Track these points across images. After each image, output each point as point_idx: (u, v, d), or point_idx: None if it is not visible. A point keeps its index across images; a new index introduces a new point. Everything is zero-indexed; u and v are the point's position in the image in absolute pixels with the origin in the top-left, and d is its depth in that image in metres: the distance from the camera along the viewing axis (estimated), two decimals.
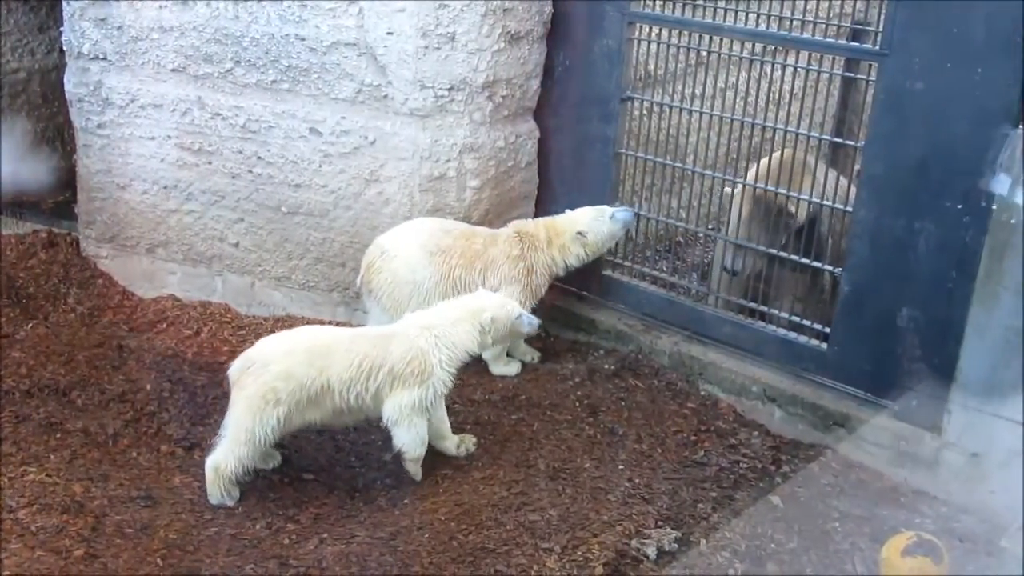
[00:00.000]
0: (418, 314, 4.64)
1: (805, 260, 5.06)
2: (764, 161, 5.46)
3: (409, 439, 4.46)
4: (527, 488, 4.43)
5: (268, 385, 4.31)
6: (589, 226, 5.39)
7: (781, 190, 5.14)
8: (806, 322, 5.13)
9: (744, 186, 5.33)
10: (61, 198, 7.00)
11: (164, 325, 5.90)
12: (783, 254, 5.16)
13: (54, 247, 6.53)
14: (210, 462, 4.40)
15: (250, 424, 4.32)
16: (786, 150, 5.37)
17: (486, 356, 5.41)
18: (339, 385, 4.35)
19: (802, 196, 5.09)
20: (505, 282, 5.31)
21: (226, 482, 4.39)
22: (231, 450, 4.35)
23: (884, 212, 4.67)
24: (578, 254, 5.43)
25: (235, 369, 4.43)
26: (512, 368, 5.45)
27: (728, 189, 5.48)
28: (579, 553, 4.01)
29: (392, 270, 5.28)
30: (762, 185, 5.23)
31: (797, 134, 5.26)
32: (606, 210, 5.42)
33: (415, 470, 4.56)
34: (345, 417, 4.52)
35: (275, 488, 4.51)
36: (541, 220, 5.51)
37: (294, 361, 4.35)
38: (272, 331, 5.70)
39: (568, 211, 5.47)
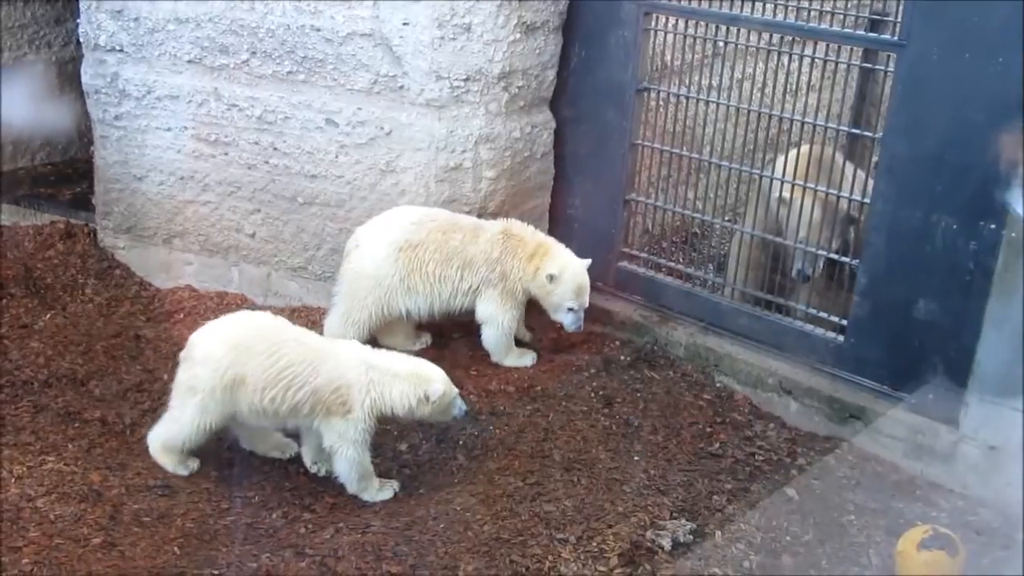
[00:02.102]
0: (365, 348, 4.50)
1: (856, 261, 4.94)
2: (792, 156, 5.39)
3: (344, 471, 4.39)
4: (542, 479, 4.43)
5: (191, 371, 4.36)
6: (558, 282, 5.20)
7: (831, 190, 5.07)
8: (823, 314, 5.11)
9: (806, 188, 5.18)
10: (79, 189, 7.03)
11: (181, 315, 5.92)
12: (844, 258, 5.09)
13: (72, 238, 6.55)
14: (150, 435, 4.55)
15: (178, 412, 4.40)
16: (814, 147, 5.33)
17: (496, 359, 5.40)
18: (253, 382, 4.29)
19: (854, 196, 5.03)
20: (484, 284, 5.26)
21: (170, 457, 4.48)
22: (166, 427, 4.47)
23: (901, 204, 4.65)
24: (540, 287, 5.25)
25: (183, 353, 4.50)
26: (527, 359, 5.43)
27: (786, 194, 5.31)
28: (594, 544, 4.01)
29: (357, 262, 5.26)
30: (822, 188, 5.12)
31: (815, 125, 5.24)
32: (572, 300, 5.21)
33: (368, 497, 4.45)
34: (263, 420, 4.41)
35: (291, 478, 4.52)
36: (540, 234, 5.38)
37: (214, 346, 4.36)
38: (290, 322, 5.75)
39: (571, 254, 5.28)
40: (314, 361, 4.32)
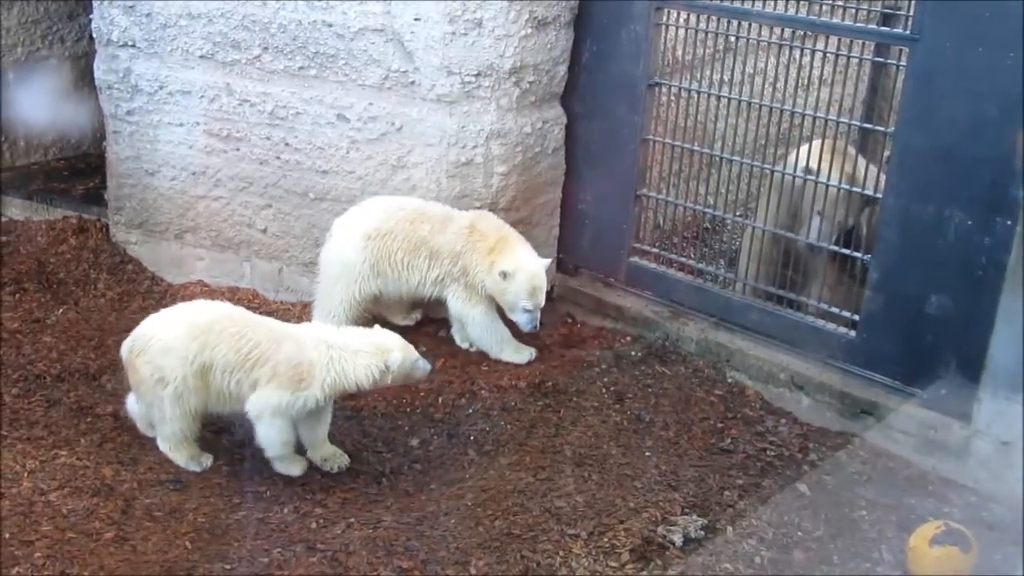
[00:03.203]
0: (326, 327, 4.55)
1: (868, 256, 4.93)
2: (805, 149, 5.37)
3: (267, 437, 4.42)
4: (553, 474, 4.43)
5: (153, 364, 4.37)
6: (511, 280, 5.10)
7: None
8: (834, 309, 5.10)
9: (833, 158, 5.14)
10: (91, 184, 7.05)
11: None
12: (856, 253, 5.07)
13: (84, 233, 6.58)
14: (158, 440, 4.57)
15: (159, 409, 4.43)
16: (827, 140, 5.31)
17: (493, 355, 5.39)
18: (222, 365, 4.33)
19: (866, 191, 5.02)
20: (448, 278, 5.27)
21: (180, 453, 4.51)
22: (160, 428, 4.52)
23: (913, 198, 4.63)
24: (494, 282, 5.16)
25: (124, 350, 4.51)
26: (524, 355, 5.40)
27: (813, 163, 5.21)
28: (605, 539, 4.01)
29: (328, 250, 5.36)
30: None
31: (826, 120, 5.22)
32: (526, 300, 5.12)
33: (283, 468, 4.49)
34: (226, 404, 4.46)
35: (303, 473, 4.53)
36: (508, 230, 5.27)
37: (174, 335, 4.37)
38: (300, 317, 5.76)
39: (531, 252, 5.20)
40: (278, 340, 4.38)
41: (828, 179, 5.15)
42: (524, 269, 5.12)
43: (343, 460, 4.59)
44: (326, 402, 4.43)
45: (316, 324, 4.61)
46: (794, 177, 5.27)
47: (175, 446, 4.50)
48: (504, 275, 5.11)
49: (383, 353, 4.38)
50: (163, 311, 4.61)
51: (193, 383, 4.34)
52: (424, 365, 4.53)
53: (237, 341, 4.35)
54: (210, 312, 4.50)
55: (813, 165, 5.21)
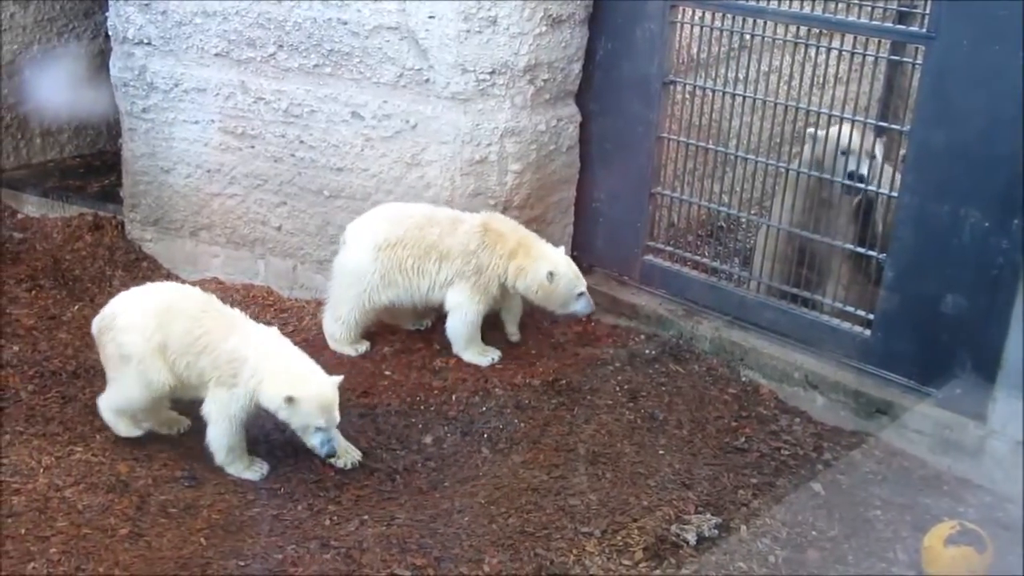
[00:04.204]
0: (276, 336, 4.47)
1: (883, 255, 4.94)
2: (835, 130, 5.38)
3: (215, 439, 4.42)
4: (567, 472, 4.43)
5: (116, 341, 4.41)
6: (561, 278, 5.19)
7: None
8: (849, 308, 5.09)
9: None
10: (107, 182, 7.07)
11: None
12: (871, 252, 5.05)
13: (100, 230, 6.60)
14: (99, 402, 4.60)
15: (120, 382, 4.47)
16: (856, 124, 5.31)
17: (456, 349, 5.39)
18: (175, 347, 4.35)
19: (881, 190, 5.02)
20: (457, 276, 5.26)
21: (123, 421, 4.55)
22: (114, 395, 4.54)
23: (929, 197, 4.62)
24: (528, 286, 5.21)
25: (93, 327, 4.57)
26: (487, 358, 5.37)
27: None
28: (619, 538, 4.01)
29: (342, 260, 5.38)
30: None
31: (842, 118, 5.21)
32: (581, 284, 5.24)
33: (234, 472, 4.46)
34: (185, 389, 4.47)
35: (316, 470, 4.53)
36: (523, 230, 5.35)
37: (136, 312, 4.42)
38: (314, 314, 5.77)
39: (550, 246, 5.28)
40: (227, 332, 4.38)
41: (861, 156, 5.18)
42: (564, 263, 5.24)
43: (355, 456, 4.58)
44: (255, 408, 4.37)
45: (274, 331, 4.52)
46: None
47: (120, 414, 4.54)
48: (551, 276, 5.16)
49: (293, 387, 4.24)
50: (131, 290, 4.66)
51: (152, 362, 4.37)
52: (326, 439, 4.31)
53: (191, 323, 4.37)
54: (173, 293, 4.57)
55: (844, 141, 5.23)
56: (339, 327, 5.41)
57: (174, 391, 4.49)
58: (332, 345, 5.48)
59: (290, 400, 4.22)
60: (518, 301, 5.49)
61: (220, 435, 4.41)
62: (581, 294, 5.26)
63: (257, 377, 4.29)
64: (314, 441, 4.33)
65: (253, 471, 4.47)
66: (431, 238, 5.24)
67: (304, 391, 4.25)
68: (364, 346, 5.49)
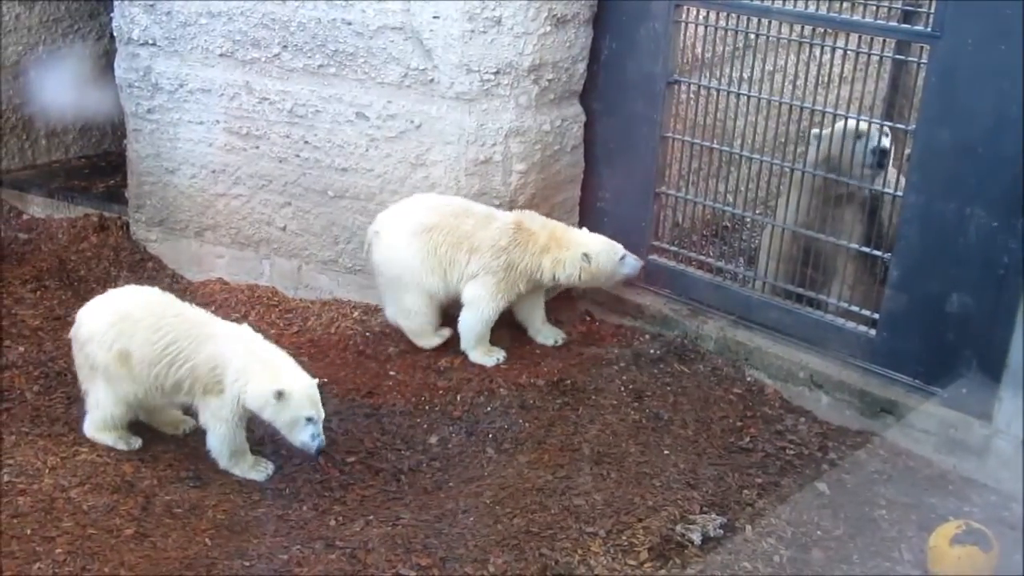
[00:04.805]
0: (250, 334, 4.42)
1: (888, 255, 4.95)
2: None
3: (216, 447, 4.43)
4: (572, 472, 4.43)
5: (83, 351, 4.43)
6: (598, 255, 5.29)
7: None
8: (854, 308, 5.08)
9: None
10: (112, 182, 7.08)
11: (212, 308, 5.91)
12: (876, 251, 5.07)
13: (105, 231, 6.61)
14: (85, 427, 4.57)
15: (93, 395, 4.49)
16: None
17: (464, 345, 5.40)
18: (139, 356, 4.33)
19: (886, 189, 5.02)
20: (483, 271, 5.27)
21: (109, 435, 4.52)
22: (93, 414, 4.53)
23: (934, 196, 4.61)
24: (571, 274, 5.29)
25: (71, 333, 4.58)
26: (492, 359, 5.39)
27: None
28: (624, 538, 4.01)
29: (381, 250, 5.36)
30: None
31: (847, 117, 5.20)
32: (619, 249, 5.33)
33: (239, 473, 4.47)
34: (154, 396, 4.45)
35: (321, 470, 4.54)
36: (551, 223, 5.40)
37: (97, 322, 4.42)
38: (319, 315, 5.78)
39: (580, 231, 5.39)
40: (197, 337, 4.35)
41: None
42: (595, 240, 5.33)
43: (268, 466, 4.55)
44: (244, 411, 4.34)
45: (246, 328, 4.47)
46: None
47: (104, 430, 4.53)
48: (587, 257, 5.26)
49: (280, 381, 4.21)
50: (97, 298, 4.64)
51: (116, 370, 4.36)
52: (315, 432, 4.25)
53: (152, 334, 4.34)
54: (133, 299, 4.53)
55: (863, 126, 5.26)
56: (415, 320, 5.40)
57: (145, 400, 4.47)
58: (418, 342, 5.47)
59: (280, 395, 4.19)
60: (538, 301, 5.53)
61: (220, 441, 4.41)
62: (623, 258, 5.33)
63: (242, 380, 4.26)
64: (304, 436, 4.26)
65: (258, 471, 4.48)
66: (465, 228, 5.27)
67: (292, 383, 4.23)
68: (448, 331, 5.49)
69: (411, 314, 5.40)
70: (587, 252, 5.26)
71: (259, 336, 4.46)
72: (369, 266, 5.55)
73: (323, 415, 4.34)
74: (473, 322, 5.35)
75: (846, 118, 5.26)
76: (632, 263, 5.36)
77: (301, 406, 4.23)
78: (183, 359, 4.32)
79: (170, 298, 4.58)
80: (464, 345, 5.40)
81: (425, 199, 5.42)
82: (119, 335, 4.36)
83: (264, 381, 4.23)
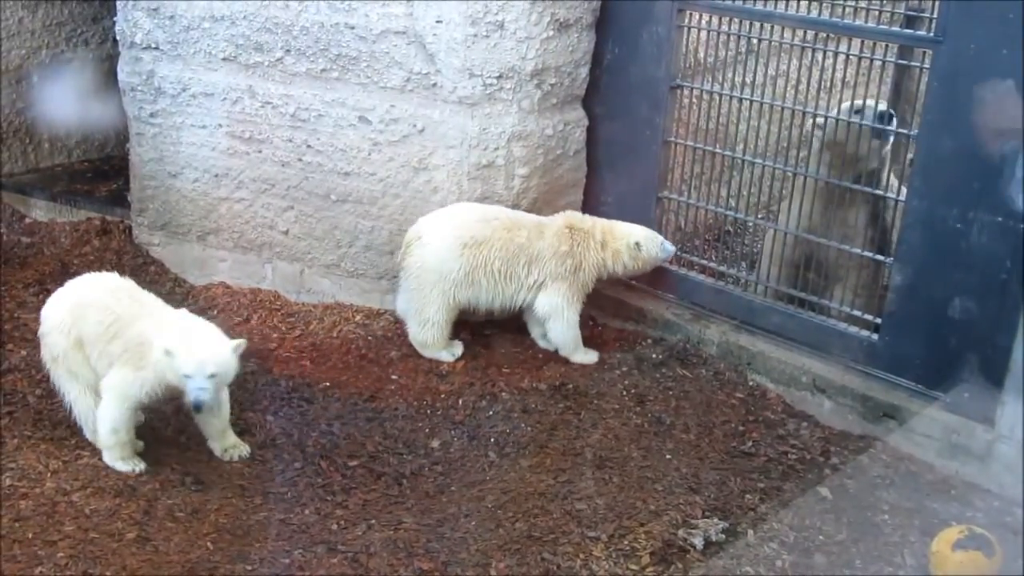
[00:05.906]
0: (186, 315, 4.43)
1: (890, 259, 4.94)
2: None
3: (104, 416, 4.35)
4: (574, 477, 4.43)
5: (46, 344, 4.42)
6: (646, 241, 5.42)
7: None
8: (857, 312, 5.08)
9: None
10: (114, 186, 7.09)
11: (215, 312, 5.95)
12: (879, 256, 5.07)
13: (107, 234, 6.62)
14: (85, 432, 4.55)
15: (67, 396, 4.47)
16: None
17: (565, 353, 5.45)
18: (89, 339, 4.31)
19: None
20: (551, 278, 5.32)
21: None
22: (80, 419, 4.51)
23: (937, 201, 4.61)
24: (625, 264, 5.43)
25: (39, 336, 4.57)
26: (592, 356, 5.43)
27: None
28: (626, 542, 4.01)
29: (422, 256, 5.32)
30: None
31: (849, 122, 5.20)
32: (658, 236, 5.46)
33: (109, 460, 4.41)
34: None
35: (323, 474, 4.54)
36: (594, 219, 5.49)
37: (56, 311, 4.42)
38: (321, 319, 5.78)
39: (623, 223, 5.48)
40: (138, 315, 4.34)
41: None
42: (639, 231, 5.45)
43: (243, 450, 4.58)
44: (162, 391, 4.30)
45: (184, 311, 4.46)
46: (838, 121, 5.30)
47: (86, 423, 4.51)
48: (639, 246, 5.41)
49: (170, 342, 4.15)
50: (60, 289, 4.64)
51: (74, 357, 4.36)
52: (199, 396, 4.14)
53: (102, 313, 4.33)
54: (89, 285, 4.53)
55: (859, 102, 5.28)
56: (430, 331, 5.39)
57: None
58: (426, 353, 5.46)
59: (168, 353, 4.12)
60: None
61: (111, 413, 4.33)
62: (661, 243, 5.46)
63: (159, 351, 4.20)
64: (188, 397, 4.17)
65: (128, 464, 4.41)
66: (520, 240, 5.30)
67: (180, 342, 4.14)
68: (459, 347, 5.49)
69: (429, 324, 5.38)
70: (638, 241, 5.40)
71: (199, 319, 4.45)
72: (399, 268, 5.50)
73: (216, 376, 4.19)
74: (563, 330, 5.40)
75: (839, 101, 5.28)
76: (669, 247, 5.49)
77: (184, 364, 4.11)
78: (120, 333, 4.29)
79: (129, 283, 4.57)
80: (565, 352, 5.46)
81: (468, 209, 5.41)
82: (75, 320, 4.36)
83: (163, 343, 4.16)
